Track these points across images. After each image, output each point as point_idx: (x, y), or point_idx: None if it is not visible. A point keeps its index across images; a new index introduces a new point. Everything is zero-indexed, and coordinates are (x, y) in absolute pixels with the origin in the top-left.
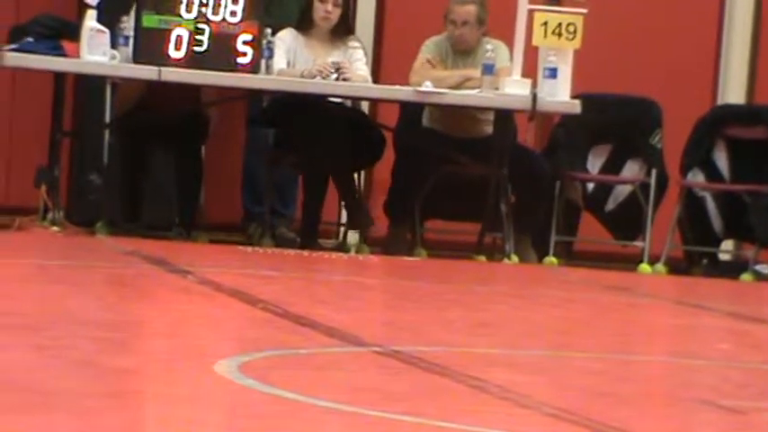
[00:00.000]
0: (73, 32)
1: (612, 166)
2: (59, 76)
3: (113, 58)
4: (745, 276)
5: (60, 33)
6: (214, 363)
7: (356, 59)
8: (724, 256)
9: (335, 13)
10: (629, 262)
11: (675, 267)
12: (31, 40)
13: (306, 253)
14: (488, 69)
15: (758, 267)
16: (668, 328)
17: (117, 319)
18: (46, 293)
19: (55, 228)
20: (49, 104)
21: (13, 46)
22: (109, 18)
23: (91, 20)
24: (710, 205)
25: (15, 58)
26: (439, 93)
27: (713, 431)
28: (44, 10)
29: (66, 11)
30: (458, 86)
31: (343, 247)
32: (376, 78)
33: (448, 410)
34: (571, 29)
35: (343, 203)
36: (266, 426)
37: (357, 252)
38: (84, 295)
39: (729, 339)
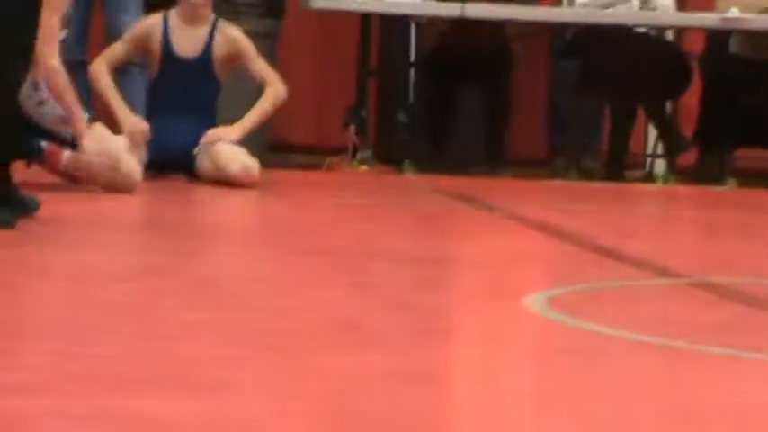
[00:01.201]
0: None
1: None
2: (365, 17)
3: None
4: None
5: None
6: (523, 297)
7: None
8: None
9: None
10: None
11: None
12: None
13: (612, 185)
14: None
15: None
16: None
17: (426, 256)
18: (357, 231)
19: (364, 167)
20: (356, 46)
21: None
22: None
23: None
24: None
25: (321, 1)
26: (745, 19)
27: None
28: None
29: None
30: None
31: (650, 178)
32: (681, 5)
33: (764, 344)
34: None
35: (658, 133)
36: (576, 360)
37: (664, 182)
38: (393, 233)
39: None
